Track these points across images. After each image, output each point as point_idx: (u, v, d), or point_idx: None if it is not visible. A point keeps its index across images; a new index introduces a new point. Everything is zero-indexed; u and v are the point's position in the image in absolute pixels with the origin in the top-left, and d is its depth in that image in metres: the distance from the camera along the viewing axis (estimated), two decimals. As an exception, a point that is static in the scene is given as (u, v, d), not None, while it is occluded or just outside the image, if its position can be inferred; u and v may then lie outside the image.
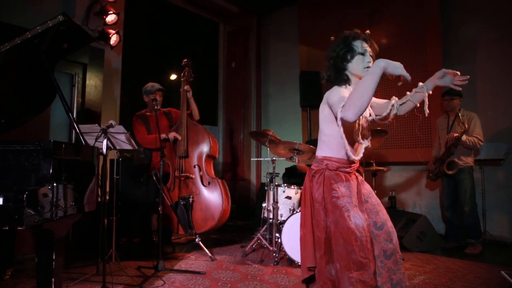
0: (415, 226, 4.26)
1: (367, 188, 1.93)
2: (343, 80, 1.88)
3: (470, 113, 4.28)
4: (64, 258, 2.05)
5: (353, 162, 1.90)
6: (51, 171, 1.80)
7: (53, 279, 1.90)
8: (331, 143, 1.88)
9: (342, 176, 1.84)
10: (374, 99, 1.98)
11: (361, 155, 1.93)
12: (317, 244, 1.81)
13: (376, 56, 1.88)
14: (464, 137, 4.10)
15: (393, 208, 5.19)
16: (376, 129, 3.97)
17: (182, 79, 4.23)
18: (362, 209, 1.80)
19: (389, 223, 1.83)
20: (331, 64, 1.89)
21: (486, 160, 4.68)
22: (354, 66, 1.85)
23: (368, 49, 1.86)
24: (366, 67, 1.83)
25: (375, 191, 4.28)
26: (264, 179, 5.43)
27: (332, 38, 2.02)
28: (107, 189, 3.56)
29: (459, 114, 4.18)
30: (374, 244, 1.76)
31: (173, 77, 6.61)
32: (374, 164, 4.39)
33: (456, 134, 4.14)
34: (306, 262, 1.87)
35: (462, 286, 3.02)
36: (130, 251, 4.06)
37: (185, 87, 4.18)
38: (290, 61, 6.84)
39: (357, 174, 1.96)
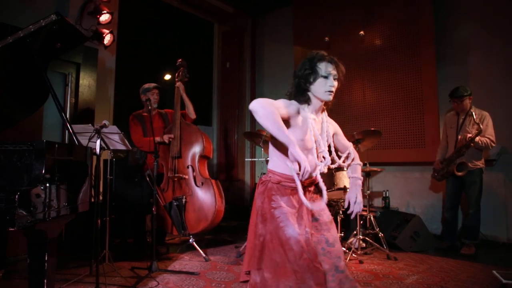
0: (408, 226, 4.29)
1: (320, 205, 1.92)
2: (304, 100, 1.86)
3: (482, 112, 4.16)
4: (57, 259, 2.04)
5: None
6: (43, 171, 1.78)
7: (45, 280, 1.88)
8: (275, 156, 1.90)
9: (285, 190, 1.83)
10: (338, 138, 2.03)
11: (315, 173, 1.88)
12: (253, 250, 1.81)
13: (345, 77, 1.87)
14: (477, 138, 3.98)
15: (386, 209, 5.22)
16: (370, 129, 3.99)
17: (176, 79, 4.21)
18: (300, 223, 1.78)
19: (340, 242, 1.87)
20: (295, 82, 1.88)
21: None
22: (316, 88, 1.82)
23: (333, 72, 1.82)
24: (327, 91, 1.81)
25: (369, 191, 4.32)
26: (258, 180, 5.44)
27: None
28: (101, 190, 3.54)
29: (474, 114, 4.04)
30: (324, 260, 1.78)
31: (168, 77, 6.59)
32: (367, 165, 4.41)
33: (469, 135, 4.01)
34: (244, 266, 1.88)
35: (455, 286, 3.04)
36: (123, 251, 4.04)
37: (177, 85, 4.17)
38: (284, 61, 6.85)
39: (311, 190, 1.93)
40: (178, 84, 4.18)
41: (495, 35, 4.80)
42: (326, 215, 1.90)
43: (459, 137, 4.16)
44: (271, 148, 1.93)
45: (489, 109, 4.30)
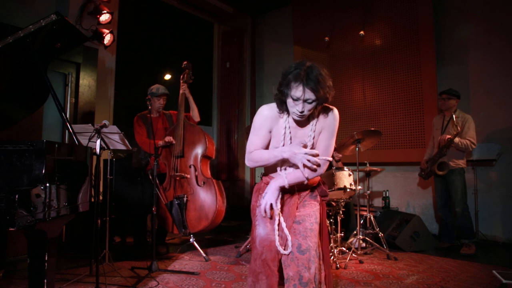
0: (408, 226, 4.29)
1: (307, 211, 1.86)
2: (282, 110, 1.79)
3: (465, 115, 4.29)
4: (57, 259, 2.04)
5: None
6: (43, 171, 1.78)
7: (45, 280, 1.88)
8: None
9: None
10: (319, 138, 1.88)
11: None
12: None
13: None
14: (457, 139, 4.13)
15: (386, 208, 5.22)
16: (370, 129, 3.99)
17: (181, 81, 4.24)
18: (273, 223, 1.80)
19: (313, 252, 1.73)
20: (277, 90, 1.76)
21: (479, 160, 4.72)
22: (288, 105, 1.73)
23: (306, 96, 1.63)
24: (294, 113, 1.71)
25: (369, 191, 4.32)
26: (258, 180, 5.45)
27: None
28: (101, 190, 3.54)
29: (453, 116, 4.18)
30: (290, 265, 1.72)
31: (168, 77, 6.59)
32: (368, 165, 4.41)
33: (448, 136, 4.16)
34: None
35: (455, 286, 3.04)
36: (124, 251, 4.04)
37: (183, 88, 4.19)
38: (284, 61, 6.84)
39: (303, 194, 1.90)
40: (183, 86, 4.20)
41: (495, 35, 4.80)
42: (309, 222, 1.82)
43: (439, 138, 4.29)
44: None
45: (489, 108, 4.31)
